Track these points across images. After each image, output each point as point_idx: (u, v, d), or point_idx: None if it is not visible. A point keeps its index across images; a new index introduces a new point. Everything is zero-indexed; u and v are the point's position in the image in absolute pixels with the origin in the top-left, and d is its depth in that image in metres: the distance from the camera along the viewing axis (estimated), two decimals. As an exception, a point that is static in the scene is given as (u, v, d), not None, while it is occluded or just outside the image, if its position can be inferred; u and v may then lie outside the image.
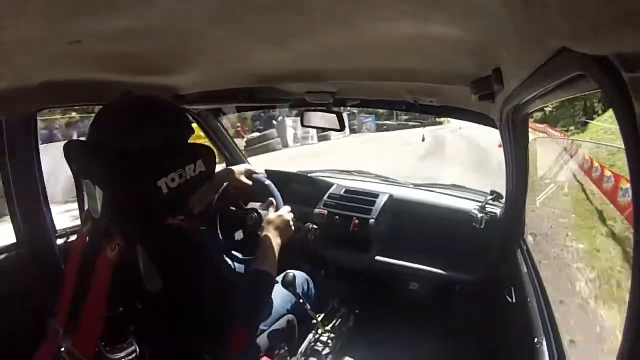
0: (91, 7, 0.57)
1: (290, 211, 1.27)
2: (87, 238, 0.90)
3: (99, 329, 0.81)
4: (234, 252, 1.50)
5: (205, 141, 1.70)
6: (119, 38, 0.76)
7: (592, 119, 11.72)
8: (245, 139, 11.48)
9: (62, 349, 0.82)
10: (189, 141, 0.90)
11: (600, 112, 11.53)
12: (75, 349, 0.81)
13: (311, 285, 1.52)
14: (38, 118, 1.27)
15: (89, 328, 0.81)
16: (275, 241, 1.13)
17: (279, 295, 1.34)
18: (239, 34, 0.79)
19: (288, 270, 1.31)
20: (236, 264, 1.51)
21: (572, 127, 13.23)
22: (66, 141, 0.89)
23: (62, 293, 0.88)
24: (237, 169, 1.45)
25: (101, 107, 0.87)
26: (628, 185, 2.25)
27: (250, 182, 1.43)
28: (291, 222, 1.23)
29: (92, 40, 0.75)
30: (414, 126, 20.62)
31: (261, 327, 1.24)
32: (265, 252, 1.09)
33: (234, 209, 1.59)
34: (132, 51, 0.90)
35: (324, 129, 1.62)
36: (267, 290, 1.02)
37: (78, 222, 1.01)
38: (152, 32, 0.75)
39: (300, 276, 1.47)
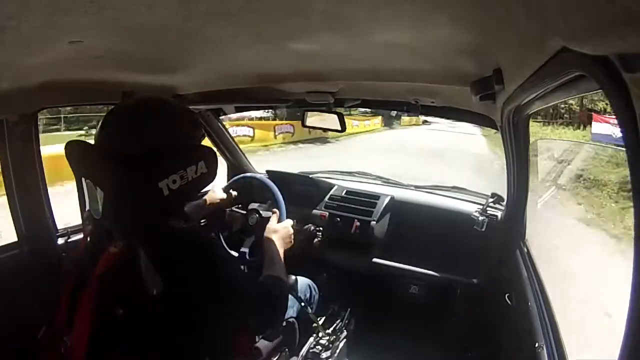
0: (92, 7, 0.57)
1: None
2: (89, 239, 0.89)
3: (89, 330, 0.79)
4: (233, 252, 1.50)
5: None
6: (120, 38, 0.77)
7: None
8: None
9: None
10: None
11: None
12: (71, 350, 0.80)
13: (315, 291, 1.51)
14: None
15: (82, 329, 0.80)
16: (280, 249, 1.14)
17: None
18: (239, 34, 0.79)
19: (290, 275, 1.31)
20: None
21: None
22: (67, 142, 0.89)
23: (63, 294, 0.86)
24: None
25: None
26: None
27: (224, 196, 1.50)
28: (292, 237, 1.24)
29: (93, 40, 0.75)
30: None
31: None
32: (274, 258, 1.10)
33: (235, 210, 1.59)
34: (133, 51, 0.90)
35: (324, 130, 1.62)
36: (283, 296, 1.02)
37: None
38: (152, 32, 0.75)
39: (304, 282, 1.48)
